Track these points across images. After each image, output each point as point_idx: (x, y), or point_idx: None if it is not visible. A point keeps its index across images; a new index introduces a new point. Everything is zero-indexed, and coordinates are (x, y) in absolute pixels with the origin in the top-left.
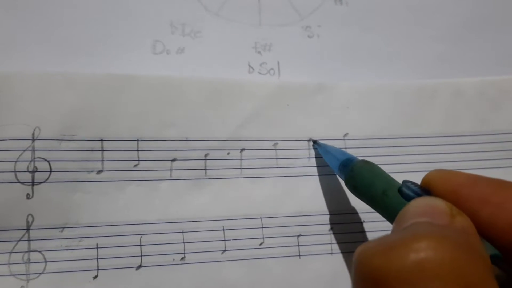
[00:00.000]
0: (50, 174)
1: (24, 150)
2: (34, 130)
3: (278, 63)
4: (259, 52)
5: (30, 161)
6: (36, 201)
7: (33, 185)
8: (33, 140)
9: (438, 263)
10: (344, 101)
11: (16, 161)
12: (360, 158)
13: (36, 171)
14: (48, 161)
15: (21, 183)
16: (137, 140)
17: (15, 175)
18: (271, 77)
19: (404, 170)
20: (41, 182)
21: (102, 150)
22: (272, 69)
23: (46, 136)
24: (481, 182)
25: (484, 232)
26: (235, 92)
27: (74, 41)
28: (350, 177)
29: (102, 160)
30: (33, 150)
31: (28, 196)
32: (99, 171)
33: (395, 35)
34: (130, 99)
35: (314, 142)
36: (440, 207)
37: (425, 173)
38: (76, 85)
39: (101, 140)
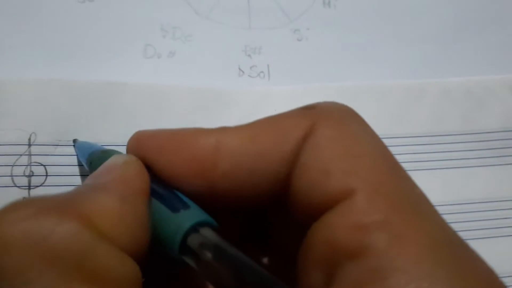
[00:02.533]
0: (46, 178)
1: (21, 155)
2: (30, 135)
3: (268, 66)
4: (249, 55)
5: (27, 165)
6: None
7: (29, 189)
8: (29, 145)
9: (14, 231)
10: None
11: (12, 166)
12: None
13: (33, 175)
14: (44, 165)
15: (18, 187)
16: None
17: (12, 179)
18: (261, 80)
19: None
20: (37, 186)
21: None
22: (262, 72)
23: (42, 142)
24: (162, 133)
25: (177, 181)
26: (224, 99)
27: (66, 45)
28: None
29: None
30: (30, 155)
31: None
32: None
33: (383, 37)
34: (123, 106)
35: (74, 141)
36: (112, 163)
37: (411, 173)
38: (70, 92)
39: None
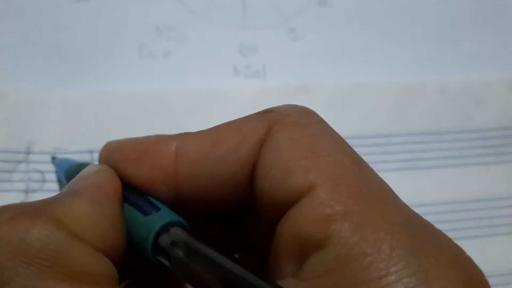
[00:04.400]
0: (43, 184)
1: (20, 162)
2: (29, 144)
3: (264, 65)
4: (244, 55)
5: (25, 172)
6: None
7: (27, 193)
8: (28, 153)
9: None
10: (329, 100)
11: (12, 172)
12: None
13: (31, 181)
14: (42, 172)
15: (16, 192)
16: None
17: (11, 184)
18: (257, 79)
19: (388, 169)
20: (35, 191)
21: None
22: (257, 71)
23: (40, 150)
24: (127, 142)
25: (144, 187)
26: (219, 100)
27: (60, 46)
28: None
29: None
30: (28, 162)
31: None
32: None
33: (379, 35)
34: (118, 114)
35: (53, 158)
36: (86, 172)
37: (408, 171)
38: (67, 103)
39: (91, 152)
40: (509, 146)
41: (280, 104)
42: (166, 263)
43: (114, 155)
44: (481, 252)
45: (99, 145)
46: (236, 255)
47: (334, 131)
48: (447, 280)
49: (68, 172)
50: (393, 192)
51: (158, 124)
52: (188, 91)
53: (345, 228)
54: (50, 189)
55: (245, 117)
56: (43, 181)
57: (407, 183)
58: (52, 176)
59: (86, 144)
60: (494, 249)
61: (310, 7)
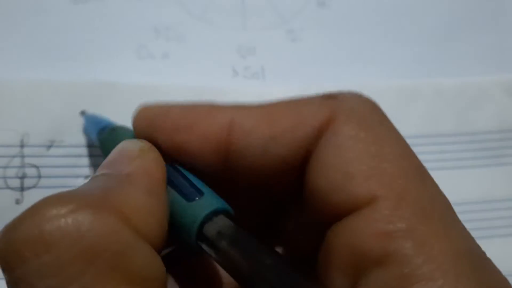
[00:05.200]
0: (39, 180)
1: (14, 156)
2: (23, 137)
3: (262, 66)
4: (243, 56)
5: (20, 167)
6: (25, 207)
7: (22, 191)
8: (22, 146)
9: (53, 228)
10: None
11: (5, 168)
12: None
13: (25, 177)
14: (37, 167)
15: (11, 189)
16: None
17: (5, 181)
18: (256, 81)
19: None
20: (30, 188)
21: (89, 156)
22: (256, 73)
23: (34, 143)
24: (173, 109)
25: (192, 159)
26: (218, 99)
27: (59, 47)
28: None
29: (89, 166)
30: (22, 156)
31: (17, 202)
32: (86, 176)
33: (377, 37)
34: (115, 106)
35: (82, 113)
36: (128, 151)
37: None
38: (62, 93)
39: (88, 146)
40: (506, 149)
41: None
42: (210, 252)
43: (158, 123)
44: None
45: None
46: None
47: (399, 134)
48: None
49: (103, 136)
50: (454, 212)
51: None
52: (187, 88)
53: (408, 246)
54: (46, 185)
55: (306, 98)
56: (39, 176)
57: None
58: (48, 171)
59: (82, 137)
60: (492, 251)
61: (309, 8)
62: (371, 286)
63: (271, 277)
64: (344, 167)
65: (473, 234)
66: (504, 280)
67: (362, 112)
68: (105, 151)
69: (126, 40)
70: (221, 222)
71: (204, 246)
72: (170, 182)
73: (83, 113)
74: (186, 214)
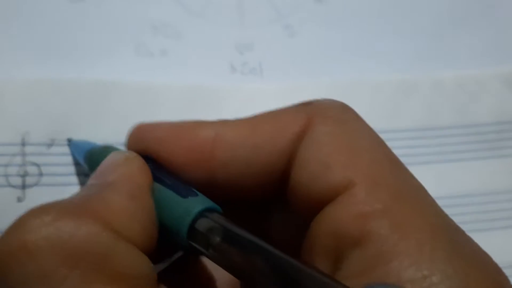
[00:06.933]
0: (40, 178)
1: (15, 155)
2: (24, 135)
3: (260, 62)
4: (241, 52)
5: (21, 165)
6: (27, 204)
7: (24, 189)
8: (23, 145)
9: (36, 238)
10: (325, 97)
11: (6, 166)
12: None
13: (27, 175)
14: (38, 165)
15: (13, 187)
16: (123, 144)
17: (6, 179)
18: (254, 76)
19: None
20: (31, 186)
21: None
22: (254, 68)
23: (35, 141)
24: (162, 125)
25: (179, 170)
26: (216, 97)
27: (58, 45)
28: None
29: None
30: (23, 154)
31: (19, 200)
32: (86, 175)
33: (375, 32)
34: (115, 104)
35: (69, 140)
36: (114, 160)
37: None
38: (63, 91)
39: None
40: (505, 141)
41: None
42: (202, 249)
43: (148, 136)
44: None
45: (97, 135)
46: None
47: (371, 129)
48: (486, 284)
49: (90, 155)
50: (429, 195)
51: (156, 116)
52: (185, 87)
53: (384, 225)
54: (47, 183)
55: (284, 108)
56: (40, 174)
57: None
58: (49, 169)
59: (84, 134)
60: (492, 243)
61: (306, 4)
62: (351, 267)
63: (269, 267)
64: (322, 159)
65: (474, 226)
66: (479, 250)
67: (336, 112)
68: (93, 170)
69: (125, 37)
70: (215, 218)
71: (195, 243)
72: (163, 182)
73: (69, 140)
74: (179, 209)
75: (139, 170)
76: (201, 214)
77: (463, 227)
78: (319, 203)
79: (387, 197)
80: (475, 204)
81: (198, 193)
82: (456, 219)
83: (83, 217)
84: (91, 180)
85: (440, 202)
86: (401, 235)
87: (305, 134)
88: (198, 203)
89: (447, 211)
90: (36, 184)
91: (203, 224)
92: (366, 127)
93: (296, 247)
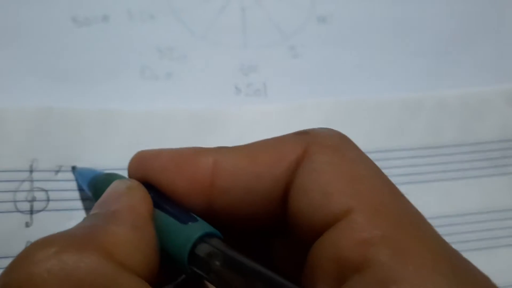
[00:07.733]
0: (47, 203)
1: (23, 180)
2: (32, 162)
3: (265, 84)
4: (245, 74)
5: (29, 191)
6: (35, 229)
7: (31, 214)
8: (31, 171)
9: (41, 270)
10: (329, 117)
11: (15, 192)
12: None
13: (35, 201)
14: (46, 190)
15: (21, 212)
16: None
17: (15, 204)
18: (258, 98)
19: None
20: (39, 211)
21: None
22: (258, 90)
23: (43, 168)
24: (163, 152)
25: (179, 197)
26: (221, 120)
27: (64, 69)
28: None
29: None
30: (31, 180)
31: (27, 225)
32: (92, 199)
33: (378, 51)
34: (121, 133)
35: (73, 168)
36: (116, 189)
37: (409, 185)
38: (69, 119)
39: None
40: (509, 158)
41: (283, 121)
42: (203, 274)
43: (149, 164)
44: (483, 265)
45: (103, 162)
46: None
47: (369, 158)
48: None
49: (94, 183)
50: (427, 221)
51: (161, 143)
52: (189, 112)
53: (385, 252)
54: (54, 208)
55: (282, 136)
56: (48, 200)
57: (408, 197)
58: (56, 195)
59: (90, 160)
60: (497, 261)
61: (309, 25)
62: None
63: None
64: (322, 188)
65: (477, 244)
66: (479, 274)
67: (334, 141)
68: (97, 198)
69: (130, 61)
70: (214, 243)
71: (196, 268)
72: (163, 209)
73: (73, 168)
74: (179, 235)
75: (141, 200)
76: (201, 239)
77: (467, 245)
78: (319, 230)
79: (388, 223)
80: (480, 222)
81: (198, 218)
82: (460, 237)
83: (87, 249)
84: (95, 209)
85: (444, 220)
86: (402, 261)
87: (302, 162)
88: (197, 228)
89: (452, 229)
90: (43, 209)
91: (203, 249)
92: (364, 156)
93: (297, 272)
